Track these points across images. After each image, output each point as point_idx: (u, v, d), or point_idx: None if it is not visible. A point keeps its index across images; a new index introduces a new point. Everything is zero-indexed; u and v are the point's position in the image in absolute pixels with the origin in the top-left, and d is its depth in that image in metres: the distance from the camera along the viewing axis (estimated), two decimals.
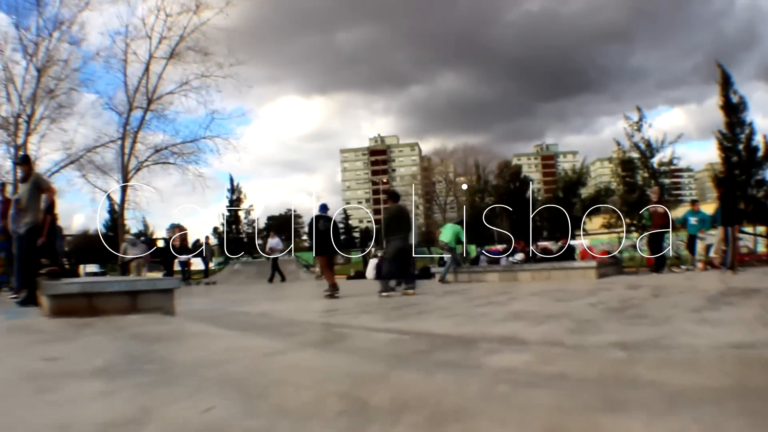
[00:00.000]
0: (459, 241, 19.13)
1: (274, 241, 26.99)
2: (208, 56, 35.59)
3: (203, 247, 27.80)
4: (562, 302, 9.32)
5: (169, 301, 8.04)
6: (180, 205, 77.49)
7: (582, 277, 15.70)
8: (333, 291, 13.56)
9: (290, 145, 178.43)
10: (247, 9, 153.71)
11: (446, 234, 19.03)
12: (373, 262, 24.95)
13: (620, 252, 22.67)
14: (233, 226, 77.46)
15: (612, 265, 18.44)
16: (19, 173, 10.95)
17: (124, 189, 33.56)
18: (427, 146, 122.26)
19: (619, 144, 39.63)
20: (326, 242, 14.18)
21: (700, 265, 18.47)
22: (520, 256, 20.29)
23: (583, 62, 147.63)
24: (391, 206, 14.40)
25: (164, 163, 35.55)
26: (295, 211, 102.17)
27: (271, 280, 25.46)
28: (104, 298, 7.58)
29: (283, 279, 25.75)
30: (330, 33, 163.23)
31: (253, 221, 79.45)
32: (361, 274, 27.35)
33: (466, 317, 7.68)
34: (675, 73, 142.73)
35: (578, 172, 51.10)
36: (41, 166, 32.56)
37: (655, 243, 18.15)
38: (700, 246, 18.88)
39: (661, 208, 18.18)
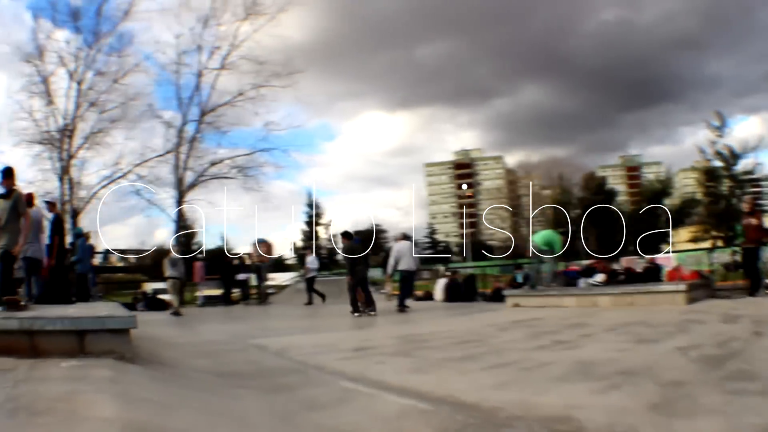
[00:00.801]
0: (551, 252, 16.97)
1: (309, 260, 25.60)
2: (262, 65, 33.87)
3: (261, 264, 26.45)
4: (645, 344, 7.59)
5: (122, 343, 6.43)
6: (265, 221, 77.62)
7: (670, 302, 13.10)
8: (365, 309, 15.89)
9: (375, 161, 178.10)
10: (326, 25, 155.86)
11: (539, 237, 17.34)
12: (441, 283, 23.04)
13: (711, 271, 19.53)
14: (312, 242, 75.83)
15: (703, 287, 15.84)
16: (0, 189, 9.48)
17: (179, 205, 32.66)
18: (513, 159, 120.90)
19: (702, 152, 38.05)
20: (356, 266, 16.46)
21: None
22: (600, 277, 18.22)
23: (660, 71, 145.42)
24: (345, 244, 17.34)
25: (223, 177, 34.27)
26: (379, 225, 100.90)
27: (309, 302, 23.78)
28: (47, 337, 6.26)
29: (323, 299, 24.16)
30: (410, 47, 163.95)
31: (332, 236, 78.24)
32: (429, 296, 24.67)
33: (518, 368, 6.25)
34: (749, 80, 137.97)
35: (662, 182, 48.99)
36: (90, 181, 32.48)
37: (750, 260, 15.29)
38: None
39: (755, 219, 15.47)
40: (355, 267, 16.39)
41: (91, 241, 17.77)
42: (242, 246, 60.69)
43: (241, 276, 26.09)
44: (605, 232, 52.12)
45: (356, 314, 15.68)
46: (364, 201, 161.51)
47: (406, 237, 18.38)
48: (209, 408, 4.89)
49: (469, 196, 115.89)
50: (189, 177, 33.24)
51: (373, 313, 15.83)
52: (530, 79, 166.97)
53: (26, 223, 9.70)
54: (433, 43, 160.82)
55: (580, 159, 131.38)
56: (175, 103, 33.70)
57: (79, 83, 31.94)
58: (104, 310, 7.83)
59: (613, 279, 17.84)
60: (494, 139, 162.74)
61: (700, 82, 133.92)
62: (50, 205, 13.52)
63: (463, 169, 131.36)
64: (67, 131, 31.58)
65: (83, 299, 14.81)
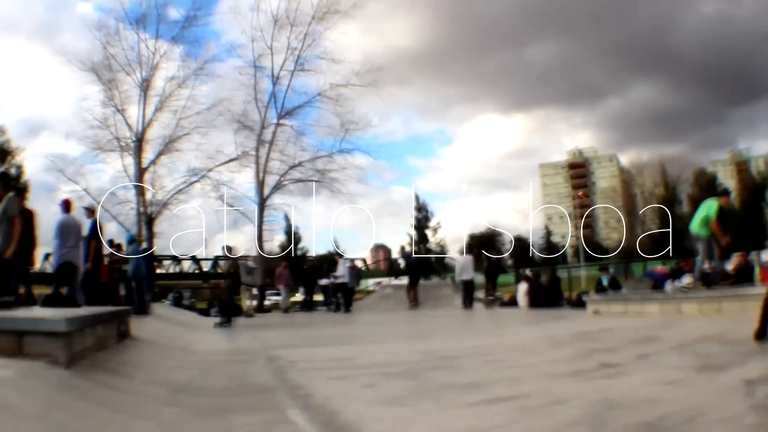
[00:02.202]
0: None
1: (341, 268, 24.40)
2: (339, 64, 33.48)
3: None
4: (706, 373, 6.14)
5: (58, 347, 5.91)
6: (384, 226, 78.01)
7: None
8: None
9: (493, 164, 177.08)
10: (435, 30, 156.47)
11: (695, 221, 13.79)
12: (523, 287, 22.05)
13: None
14: (420, 246, 74.96)
15: None
16: None
17: (261, 209, 32.47)
18: (627, 158, 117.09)
19: None
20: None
21: None
22: (687, 279, 16.01)
23: (763, 65, 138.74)
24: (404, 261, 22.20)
25: (306, 180, 33.92)
26: (495, 228, 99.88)
27: (337, 308, 23.64)
28: None
29: (346, 309, 23.26)
30: (520, 49, 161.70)
31: (441, 240, 77.32)
32: (514, 301, 23.60)
33: (517, 408, 5.03)
34: None
35: (763, 174, 46.44)
36: (168, 185, 32.93)
37: None
38: None
39: None
40: (412, 278, 21.21)
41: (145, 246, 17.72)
42: (358, 251, 61.05)
43: (323, 281, 25.71)
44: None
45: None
46: (483, 204, 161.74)
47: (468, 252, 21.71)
48: (95, 424, 4.45)
49: (581, 196, 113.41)
50: (270, 181, 33.24)
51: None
52: (639, 77, 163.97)
53: (16, 228, 9.52)
54: (542, 43, 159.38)
55: (692, 156, 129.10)
56: (254, 106, 33.58)
57: (145, 89, 32.52)
58: (56, 313, 7.25)
59: (703, 281, 14.97)
60: (608, 139, 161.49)
61: None
62: (89, 211, 13.35)
63: (577, 168, 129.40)
64: (141, 138, 32.12)
65: (135, 303, 14.90)
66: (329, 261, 32.94)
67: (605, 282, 21.02)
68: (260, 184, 32.61)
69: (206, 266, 52.12)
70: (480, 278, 24.60)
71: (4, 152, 41.96)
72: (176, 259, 40.30)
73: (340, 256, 25.63)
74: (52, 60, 35.59)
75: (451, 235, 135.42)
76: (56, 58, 32.75)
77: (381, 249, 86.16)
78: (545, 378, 6.46)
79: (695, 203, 55.59)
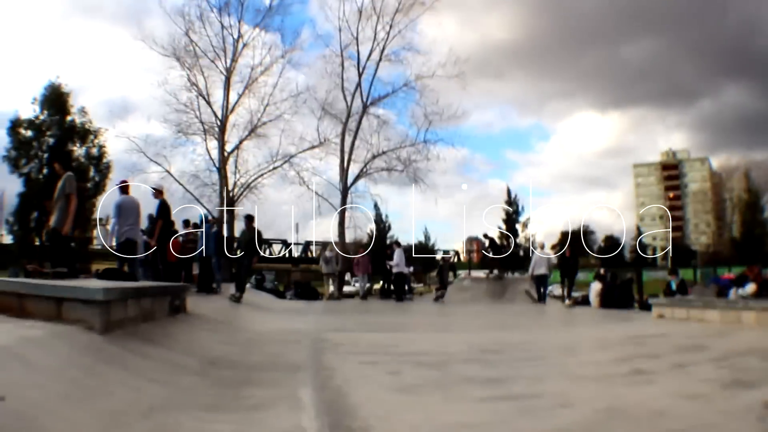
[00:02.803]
0: None
1: (396, 256, 23.99)
2: (425, 55, 33.74)
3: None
4: (732, 389, 5.64)
5: (95, 314, 6.25)
6: (479, 219, 77.91)
7: None
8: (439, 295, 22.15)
9: (588, 161, 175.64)
10: (532, 24, 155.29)
11: None
12: (595, 287, 20.90)
13: None
14: (509, 240, 74.45)
15: None
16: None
17: (344, 197, 32.83)
18: (717, 161, 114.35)
19: None
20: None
21: None
22: (750, 287, 15.43)
23: None
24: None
25: (388, 169, 33.96)
26: (588, 227, 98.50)
27: (399, 298, 23.25)
28: (34, 300, 6.53)
29: (398, 298, 23.15)
30: (615, 46, 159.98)
31: (531, 236, 76.69)
32: (586, 299, 22.37)
33: (517, 407, 4.91)
34: None
35: None
36: (251, 170, 33.62)
37: None
38: None
39: None
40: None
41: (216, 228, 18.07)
42: (453, 243, 61.26)
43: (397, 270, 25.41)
44: None
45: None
46: (577, 202, 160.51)
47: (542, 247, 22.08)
48: (106, 382, 4.60)
49: (671, 198, 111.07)
50: (354, 169, 33.61)
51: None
52: (730, 79, 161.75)
53: (71, 205, 10.13)
54: (637, 41, 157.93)
55: None
56: (339, 95, 33.90)
57: (229, 74, 33.17)
58: (98, 284, 7.69)
59: (766, 289, 15.03)
60: (701, 141, 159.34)
61: None
62: (156, 191, 13.79)
63: (670, 170, 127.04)
64: (224, 123, 32.84)
65: (206, 282, 15.69)
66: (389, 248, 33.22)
67: (674, 286, 20.27)
68: (344, 172, 33.02)
69: (297, 251, 53.12)
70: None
71: (86, 132, 42.76)
72: (266, 242, 40.79)
73: (398, 244, 25.33)
74: (136, 43, 35.94)
75: (544, 230, 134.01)
76: (139, 43, 33.20)
77: (475, 241, 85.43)
78: (569, 379, 6.46)
79: None
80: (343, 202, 32.92)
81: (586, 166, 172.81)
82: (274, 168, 33.82)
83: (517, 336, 11.36)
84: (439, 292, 24.45)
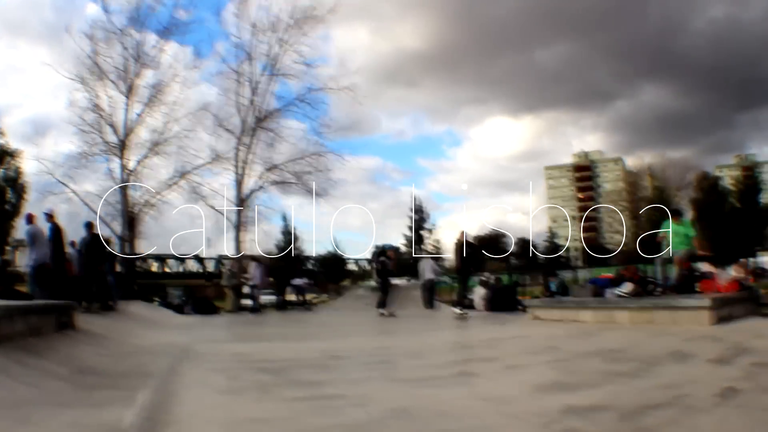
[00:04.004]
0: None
1: (251, 269, 24.94)
2: (312, 69, 35.82)
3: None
4: (545, 394, 5.91)
5: None
6: (392, 227, 78.60)
7: (693, 321, 10.63)
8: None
9: (502, 165, 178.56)
10: (444, 32, 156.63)
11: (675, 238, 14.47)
12: (479, 292, 21.94)
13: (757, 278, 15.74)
14: (416, 247, 75.17)
15: (743, 302, 12.26)
16: None
17: (239, 211, 33.69)
18: (633, 161, 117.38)
19: None
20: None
21: None
22: (627, 287, 15.67)
23: None
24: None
25: (284, 182, 35.34)
26: (500, 231, 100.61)
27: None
28: None
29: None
30: (529, 51, 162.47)
31: (437, 241, 77.91)
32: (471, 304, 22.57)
33: (318, 408, 5.49)
34: None
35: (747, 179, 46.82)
36: (152, 187, 34.41)
37: None
38: None
39: None
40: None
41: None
42: (363, 252, 61.88)
43: (297, 281, 26.68)
44: (719, 235, 50.37)
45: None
46: (492, 206, 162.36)
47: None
48: None
49: (588, 199, 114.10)
50: (249, 184, 34.57)
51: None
52: (648, 80, 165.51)
53: None
54: (551, 46, 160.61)
55: (700, 160, 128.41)
56: (235, 111, 34.95)
57: (128, 94, 34.02)
58: None
59: (643, 289, 15.43)
60: (618, 142, 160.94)
61: None
62: (48, 216, 14.66)
63: (583, 171, 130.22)
64: (124, 142, 33.63)
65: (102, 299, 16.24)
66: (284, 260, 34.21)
67: (554, 287, 21.80)
68: (239, 186, 33.97)
69: (211, 266, 53.64)
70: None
71: (3, 153, 43.20)
72: (160, 259, 41.43)
73: (255, 259, 26.09)
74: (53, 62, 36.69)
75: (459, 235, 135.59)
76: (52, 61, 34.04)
77: (390, 250, 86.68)
78: (390, 381, 7.03)
79: (697, 207, 56.40)
80: (239, 216, 33.72)
81: (499, 170, 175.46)
82: (171, 185, 34.69)
83: (377, 342, 12.21)
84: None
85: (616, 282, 16.71)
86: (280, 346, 11.75)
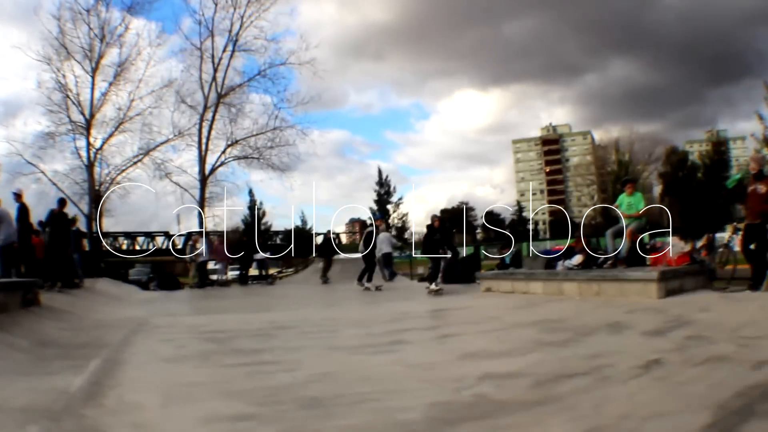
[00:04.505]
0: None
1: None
2: (273, 44, 36.10)
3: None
4: (466, 361, 6.32)
5: None
6: (361, 200, 78.14)
7: (640, 293, 10.91)
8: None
9: (470, 138, 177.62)
10: (412, 4, 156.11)
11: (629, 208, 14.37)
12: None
13: (710, 253, 14.41)
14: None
15: (694, 275, 12.28)
16: None
17: (203, 187, 34.33)
18: (600, 135, 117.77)
19: (762, 118, 36.97)
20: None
21: None
22: (576, 259, 16.06)
23: (741, 45, 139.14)
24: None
25: (246, 157, 35.99)
26: (467, 204, 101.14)
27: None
28: None
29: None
30: (497, 25, 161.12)
31: (404, 215, 78.21)
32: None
33: (236, 372, 6.17)
34: None
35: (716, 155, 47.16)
36: (116, 163, 34.82)
37: (754, 242, 11.46)
38: None
39: (762, 186, 11.31)
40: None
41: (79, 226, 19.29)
42: (335, 226, 61.61)
43: (258, 256, 26.79)
44: (688, 209, 51.08)
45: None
46: (460, 179, 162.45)
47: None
48: None
49: (555, 172, 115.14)
50: (212, 160, 35.18)
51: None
52: (618, 54, 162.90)
53: None
54: (520, 18, 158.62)
55: (670, 134, 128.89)
56: (197, 87, 35.28)
57: (93, 73, 34.32)
58: None
59: (593, 261, 15.42)
60: (586, 115, 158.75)
61: None
62: (16, 195, 14.96)
63: (551, 145, 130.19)
64: (90, 121, 33.99)
65: (67, 277, 16.54)
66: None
67: (508, 259, 21.00)
68: (202, 162, 34.51)
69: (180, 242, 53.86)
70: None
71: None
72: (130, 237, 41.74)
73: (200, 234, 26.78)
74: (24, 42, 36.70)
75: (427, 209, 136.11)
76: (23, 42, 34.10)
77: (357, 222, 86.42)
78: (324, 349, 7.60)
79: (665, 181, 56.99)
80: (203, 192, 34.27)
81: (468, 143, 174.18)
82: (136, 162, 35.02)
83: (327, 313, 12.83)
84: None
85: (566, 254, 17.17)
86: (232, 318, 12.25)
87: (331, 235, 27.30)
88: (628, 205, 14.08)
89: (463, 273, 20.43)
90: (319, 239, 28.69)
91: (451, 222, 52.91)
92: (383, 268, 21.49)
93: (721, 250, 13.93)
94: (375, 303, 15.09)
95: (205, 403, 4.87)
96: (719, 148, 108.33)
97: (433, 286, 16.28)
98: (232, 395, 5.09)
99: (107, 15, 34.52)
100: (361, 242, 20.23)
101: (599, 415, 4.17)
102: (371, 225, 20.57)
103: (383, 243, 21.77)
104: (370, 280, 19.33)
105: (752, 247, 11.44)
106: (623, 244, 13.83)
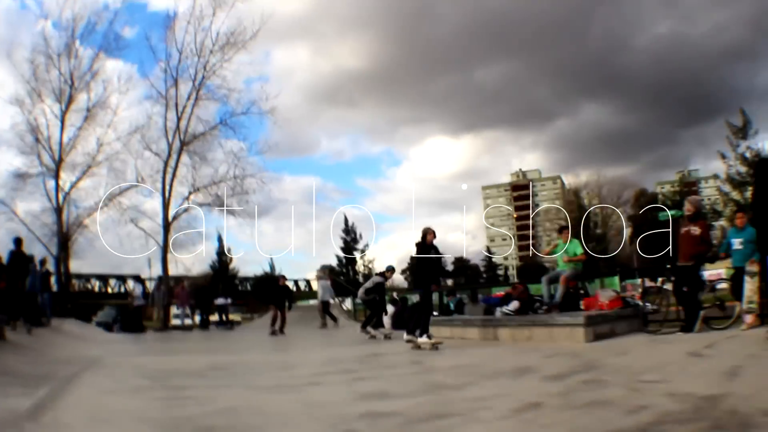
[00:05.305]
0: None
1: (322, 284, 25.85)
2: (234, 93, 36.92)
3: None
4: (375, 401, 6.71)
5: None
6: (333, 247, 78.01)
7: (569, 338, 11.52)
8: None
9: (442, 185, 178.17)
10: (383, 52, 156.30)
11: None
12: (390, 310, 21.87)
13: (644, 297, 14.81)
14: (348, 269, 75.98)
15: (627, 319, 12.91)
16: None
17: (166, 232, 34.85)
18: (569, 179, 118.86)
19: (724, 156, 36.46)
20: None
21: (749, 318, 11.40)
22: (513, 305, 15.48)
23: (715, 85, 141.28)
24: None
25: (208, 205, 36.58)
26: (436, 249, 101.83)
27: (323, 325, 24.23)
28: None
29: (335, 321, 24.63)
30: (469, 71, 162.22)
31: (370, 262, 78.94)
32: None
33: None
34: None
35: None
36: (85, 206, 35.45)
37: (684, 283, 11.85)
38: (748, 287, 11.32)
39: (698, 228, 11.78)
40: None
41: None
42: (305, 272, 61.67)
43: (219, 301, 27.66)
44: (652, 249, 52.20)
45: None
46: (432, 225, 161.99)
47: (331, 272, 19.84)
48: None
49: (524, 217, 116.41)
50: (173, 204, 35.74)
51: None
52: (589, 98, 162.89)
53: None
54: (491, 65, 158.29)
55: (643, 176, 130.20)
56: (162, 134, 36.20)
57: (63, 117, 35.45)
58: None
59: (529, 307, 15.39)
60: (558, 160, 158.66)
61: (754, 94, 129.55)
62: None
63: (521, 190, 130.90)
64: (59, 164, 34.93)
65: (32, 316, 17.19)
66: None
67: (452, 305, 22.44)
68: (165, 208, 35.13)
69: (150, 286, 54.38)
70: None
71: None
72: (102, 279, 42.51)
73: (138, 279, 27.87)
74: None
75: (398, 255, 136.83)
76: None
77: (389, 271, 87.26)
78: (241, 388, 8.38)
79: (635, 223, 57.71)
80: (166, 237, 34.72)
81: (439, 189, 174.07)
82: (102, 207, 35.46)
83: (268, 357, 13.95)
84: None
85: (505, 300, 16.76)
86: (176, 359, 13.24)
87: (286, 282, 25.72)
88: (564, 251, 14.35)
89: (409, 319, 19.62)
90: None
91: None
92: (324, 314, 23.00)
93: (653, 293, 14.15)
94: (317, 349, 15.76)
95: (120, 426, 5.78)
96: (690, 188, 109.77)
97: (423, 339, 12.89)
98: (143, 421, 5.92)
99: (77, 61, 35.58)
100: (363, 290, 18.80)
101: None
102: (381, 273, 19.11)
103: (323, 291, 23.60)
104: (376, 327, 18.18)
105: (685, 289, 11.81)
106: (558, 289, 14.08)
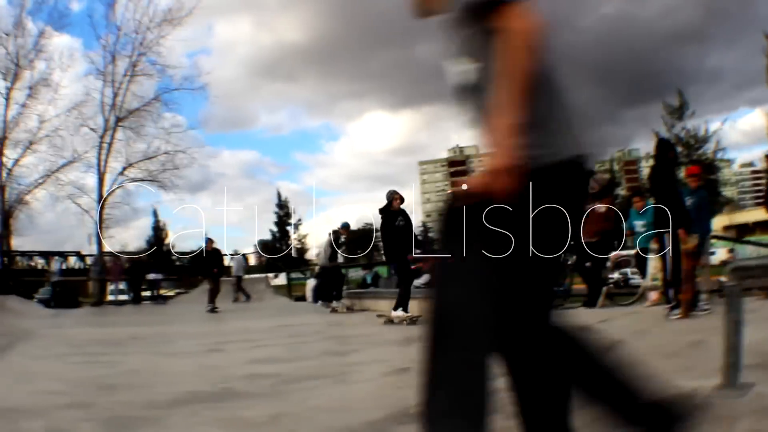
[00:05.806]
0: None
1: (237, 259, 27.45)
2: (170, 69, 38.29)
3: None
4: (265, 366, 6.98)
5: None
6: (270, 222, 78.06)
7: None
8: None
9: (379, 160, 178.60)
10: (325, 26, 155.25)
11: None
12: (310, 284, 23.91)
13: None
14: (281, 242, 76.82)
15: None
16: None
17: (101, 207, 36.20)
18: None
19: (658, 135, 36.71)
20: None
21: (653, 295, 11.61)
22: (424, 278, 13.31)
23: (661, 65, 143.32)
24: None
25: (140, 180, 38.27)
26: (371, 225, 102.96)
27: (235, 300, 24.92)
28: None
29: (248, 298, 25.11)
30: (410, 46, 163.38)
31: (303, 237, 79.89)
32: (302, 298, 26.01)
33: None
34: (751, 73, 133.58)
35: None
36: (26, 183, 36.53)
37: (587, 260, 12.06)
38: (652, 264, 11.29)
39: (603, 204, 12.06)
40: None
41: None
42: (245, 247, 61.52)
43: (151, 276, 28.84)
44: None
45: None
46: (369, 200, 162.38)
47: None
48: None
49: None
50: (108, 180, 36.95)
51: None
52: None
53: None
54: (433, 40, 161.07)
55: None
56: (99, 109, 37.17)
57: (7, 94, 36.27)
58: None
59: None
60: None
61: (701, 76, 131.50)
62: None
63: (458, 166, 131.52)
64: (3, 140, 35.95)
65: None
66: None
67: (369, 279, 23.60)
68: (100, 185, 36.35)
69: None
70: None
71: None
72: (44, 256, 43.13)
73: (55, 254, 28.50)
74: None
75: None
76: None
77: (342, 228, 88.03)
78: (151, 354, 8.96)
79: None
80: (101, 213, 35.94)
81: (377, 164, 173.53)
82: (39, 183, 36.78)
83: (186, 328, 14.40)
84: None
85: (417, 273, 16.66)
86: (101, 331, 14.11)
87: (215, 247, 21.89)
88: None
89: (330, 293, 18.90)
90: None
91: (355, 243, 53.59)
92: (238, 288, 23.70)
93: None
94: (232, 321, 16.20)
95: (38, 384, 6.25)
96: (630, 167, 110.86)
97: (399, 312, 11.92)
98: (59, 380, 6.43)
99: (23, 39, 36.21)
100: (323, 252, 17.65)
101: (291, 405, 4.78)
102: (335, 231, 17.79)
103: (238, 267, 24.80)
104: (338, 299, 16.80)
105: (587, 264, 12.01)
106: None
